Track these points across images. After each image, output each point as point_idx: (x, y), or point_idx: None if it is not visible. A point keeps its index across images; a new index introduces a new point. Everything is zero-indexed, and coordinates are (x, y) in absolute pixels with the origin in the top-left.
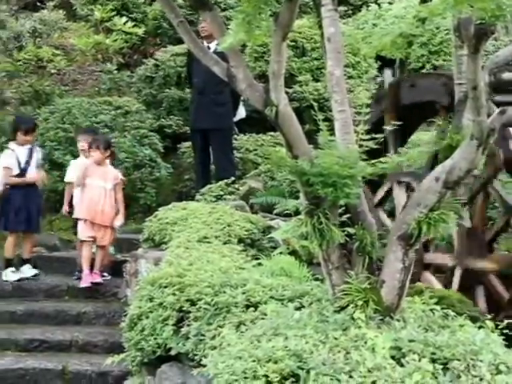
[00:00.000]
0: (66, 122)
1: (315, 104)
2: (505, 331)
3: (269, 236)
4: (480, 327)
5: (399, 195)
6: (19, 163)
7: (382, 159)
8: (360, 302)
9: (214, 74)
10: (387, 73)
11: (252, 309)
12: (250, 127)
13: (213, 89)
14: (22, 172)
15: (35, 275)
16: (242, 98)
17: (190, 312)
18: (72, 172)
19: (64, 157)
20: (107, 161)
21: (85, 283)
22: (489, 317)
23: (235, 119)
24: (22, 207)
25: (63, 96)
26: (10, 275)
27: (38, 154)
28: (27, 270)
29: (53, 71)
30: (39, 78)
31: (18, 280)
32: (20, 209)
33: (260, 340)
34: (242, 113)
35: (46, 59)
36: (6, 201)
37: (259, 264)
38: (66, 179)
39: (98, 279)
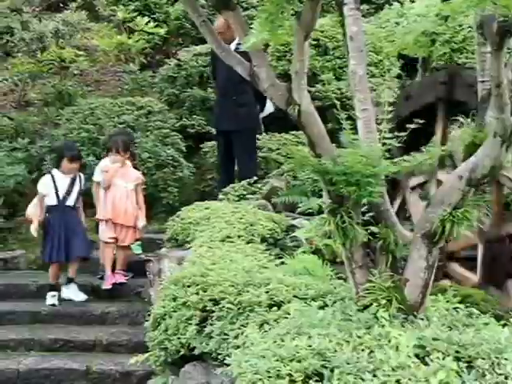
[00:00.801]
0: (88, 122)
1: (338, 103)
2: None
3: (292, 235)
4: (504, 325)
5: (414, 203)
6: (57, 192)
7: (405, 157)
8: (383, 301)
9: (234, 73)
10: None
11: (275, 308)
12: (272, 126)
13: (235, 89)
14: (61, 202)
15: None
16: None
17: (213, 311)
18: (98, 173)
19: (87, 157)
20: (128, 162)
21: (107, 285)
22: None
23: (263, 114)
24: (62, 237)
25: (86, 96)
26: (49, 299)
27: (81, 182)
28: (75, 292)
29: (75, 72)
30: (62, 78)
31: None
32: (60, 238)
33: (283, 339)
34: (270, 108)
35: (68, 60)
36: (45, 231)
37: (282, 263)
38: (94, 179)
39: (121, 279)
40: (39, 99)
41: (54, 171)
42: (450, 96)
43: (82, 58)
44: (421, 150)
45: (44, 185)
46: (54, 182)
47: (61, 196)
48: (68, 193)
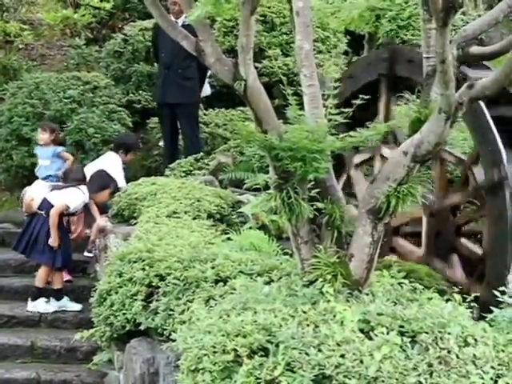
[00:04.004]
0: (34, 97)
1: (284, 79)
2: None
3: (238, 211)
4: (448, 300)
5: (358, 180)
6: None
7: (350, 133)
8: (329, 276)
9: (180, 48)
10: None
11: (221, 283)
12: (219, 102)
13: (180, 63)
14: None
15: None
16: (208, 75)
17: (159, 287)
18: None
19: (32, 132)
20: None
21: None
22: (456, 290)
23: (201, 95)
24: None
25: (31, 71)
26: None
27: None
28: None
29: (20, 46)
30: (7, 52)
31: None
32: None
33: (229, 314)
34: (207, 90)
35: (13, 34)
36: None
37: (228, 239)
38: None
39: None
40: None
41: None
42: (392, 72)
43: (27, 32)
44: (366, 126)
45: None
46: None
47: None
48: None
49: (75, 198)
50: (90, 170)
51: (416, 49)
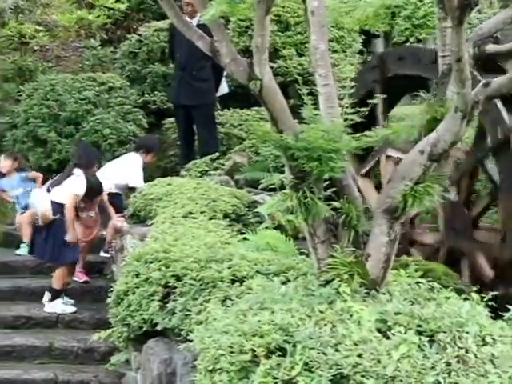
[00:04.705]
0: (49, 98)
1: (299, 78)
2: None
3: (254, 211)
4: (465, 299)
5: (386, 169)
6: None
7: (366, 133)
8: (345, 276)
9: (195, 49)
10: (378, 41)
11: (238, 283)
12: (234, 102)
13: (194, 64)
14: None
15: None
16: (224, 74)
17: (175, 287)
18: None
19: (48, 133)
20: None
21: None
22: (474, 289)
23: (217, 95)
24: None
25: (46, 72)
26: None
27: None
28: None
29: (36, 47)
30: (22, 54)
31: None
32: None
33: (246, 314)
34: (224, 88)
35: (28, 35)
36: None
37: (245, 239)
38: None
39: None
40: None
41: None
42: (385, 74)
43: (42, 33)
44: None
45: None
46: None
47: None
48: None
49: (78, 183)
50: (109, 169)
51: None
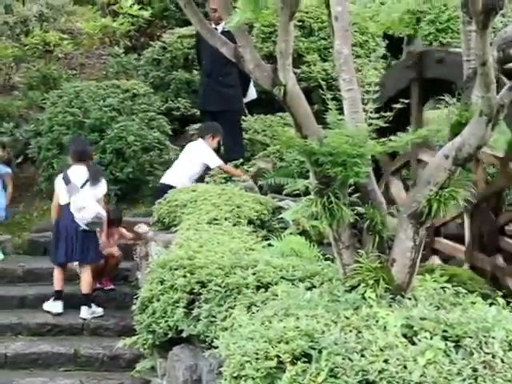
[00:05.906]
0: (74, 106)
1: (323, 84)
2: None
3: (279, 217)
4: (491, 304)
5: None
6: None
7: (391, 137)
8: (371, 281)
9: (220, 55)
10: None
11: (263, 290)
12: (258, 108)
13: (220, 70)
14: None
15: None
16: (252, 79)
17: (200, 294)
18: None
19: None
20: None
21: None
22: (500, 294)
23: (246, 100)
24: None
25: (71, 80)
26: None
27: None
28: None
29: (60, 55)
30: (46, 62)
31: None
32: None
33: (271, 321)
34: (252, 94)
35: (53, 43)
36: None
37: (269, 245)
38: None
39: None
40: (24, 83)
41: None
42: (422, 75)
43: (67, 41)
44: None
45: None
46: None
47: None
48: None
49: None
50: (180, 162)
51: (446, 48)
